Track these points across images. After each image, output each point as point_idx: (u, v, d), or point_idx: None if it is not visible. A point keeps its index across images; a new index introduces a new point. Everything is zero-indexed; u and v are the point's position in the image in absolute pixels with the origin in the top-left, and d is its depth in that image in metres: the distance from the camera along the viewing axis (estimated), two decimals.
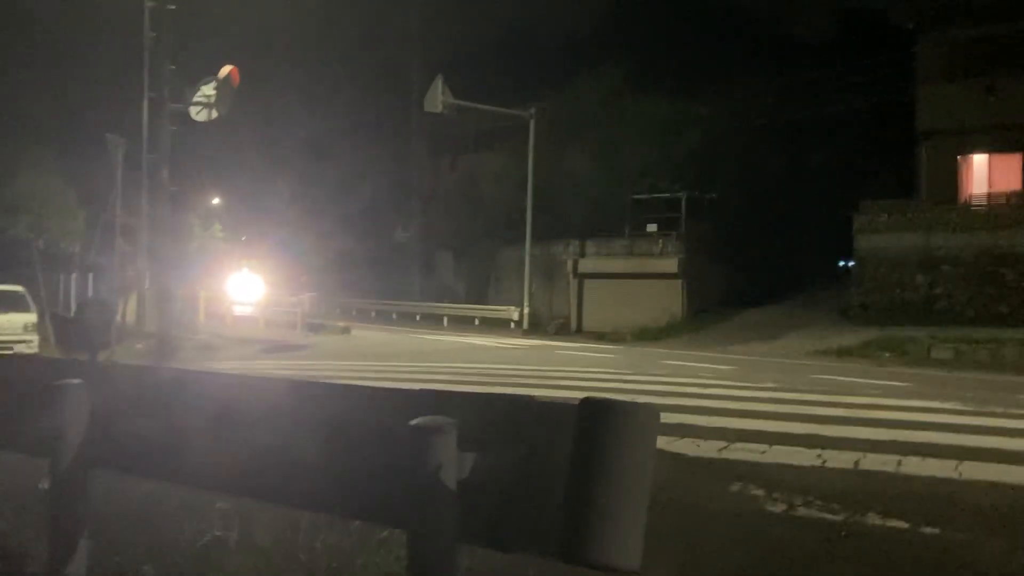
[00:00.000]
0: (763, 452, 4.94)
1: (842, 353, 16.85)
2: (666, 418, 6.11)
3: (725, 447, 5.07)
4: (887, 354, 16.10)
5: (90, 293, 18.76)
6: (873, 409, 6.79)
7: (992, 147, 23.72)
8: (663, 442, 5.17)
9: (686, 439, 5.28)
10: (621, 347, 17.56)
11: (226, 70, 14.65)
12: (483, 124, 31.23)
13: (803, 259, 26.04)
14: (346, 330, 20.48)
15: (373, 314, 30.29)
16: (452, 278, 31.70)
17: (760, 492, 4.06)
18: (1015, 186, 23.00)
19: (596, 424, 1.92)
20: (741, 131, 27.58)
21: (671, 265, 26.02)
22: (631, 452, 1.91)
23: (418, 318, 28.07)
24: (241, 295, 27.26)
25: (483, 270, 29.92)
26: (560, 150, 27.15)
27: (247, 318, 24.13)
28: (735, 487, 4.17)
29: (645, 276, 26.52)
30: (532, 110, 24.88)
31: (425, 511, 1.82)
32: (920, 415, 6.54)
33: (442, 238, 32.19)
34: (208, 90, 14.76)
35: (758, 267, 27.46)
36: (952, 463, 4.61)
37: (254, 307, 25.26)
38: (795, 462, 4.70)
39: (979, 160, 24.15)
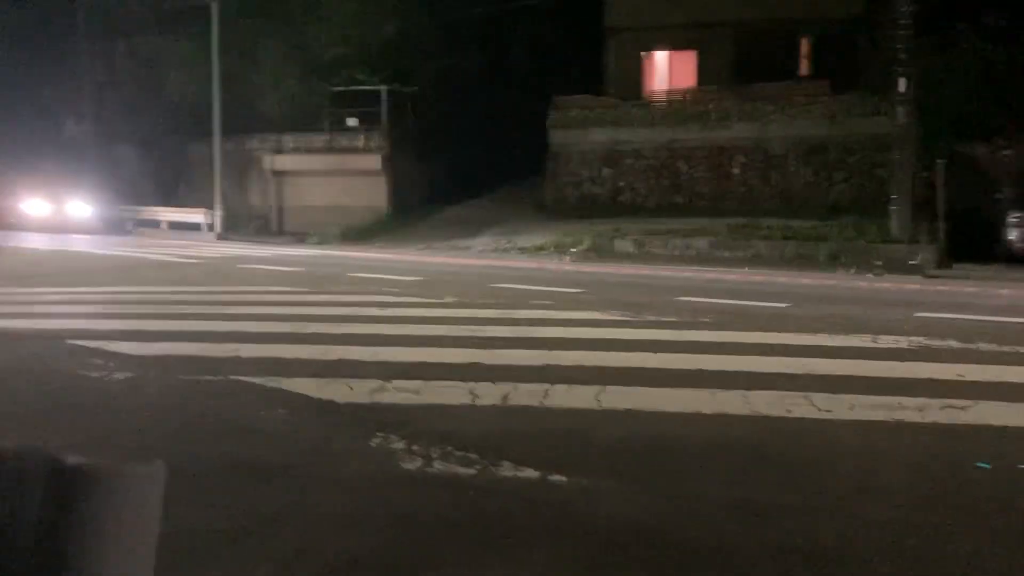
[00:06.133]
0: (417, 392, 4.76)
1: (534, 250, 17.44)
2: (329, 353, 5.78)
3: (380, 388, 4.83)
4: (574, 250, 16.88)
5: None
6: (539, 325, 6.91)
7: (671, 45, 25.19)
8: (315, 386, 4.85)
9: (342, 380, 4.98)
10: (317, 252, 16.95)
11: None
12: (163, 3, 28.19)
13: (507, 154, 26.57)
14: None
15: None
16: (137, 177, 28.96)
17: (401, 445, 3.85)
18: (692, 82, 24.72)
19: (72, 497, 1.45)
20: (440, 24, 27.15)
21: (374, 161, 25.52)
22: (119, 530, 1.48)
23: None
24: None
25: (172, 168, 27.61)
26: (252, 38, 25.28)
27: None
28: (376, 440, 3.93)
29: (348, 173, 25.85)
30: None
31: None
32: (579, 330, 6.74)
33: (122, 132, 29.13)
34: None
35: (463, 162, 27.69)
36: (594, 390, 4.70)
37: None
38: (447, 401, 4.56)
39: (660, 57, 25.57)
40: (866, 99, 19.85)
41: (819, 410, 4.27)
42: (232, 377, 5.11)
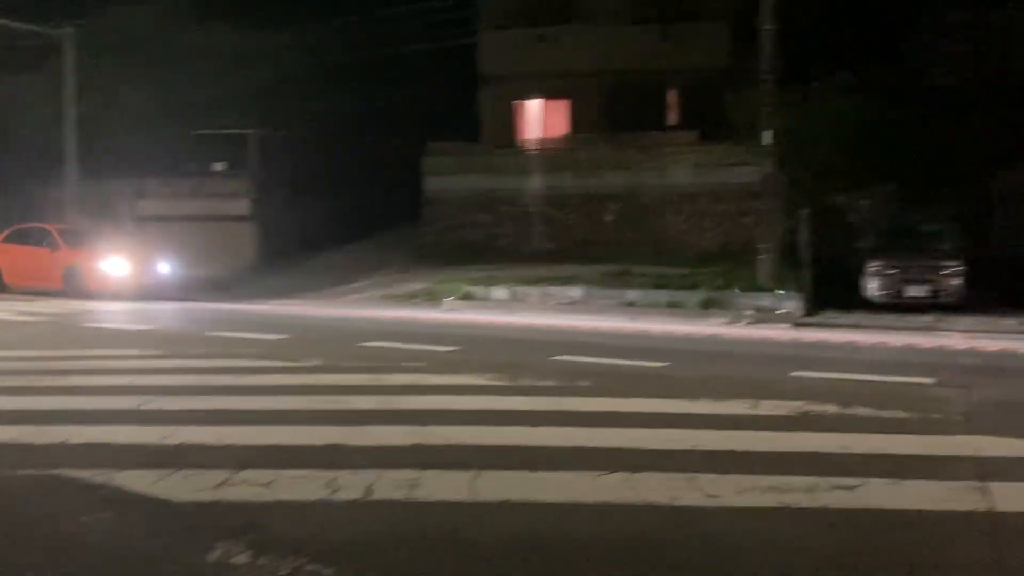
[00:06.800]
0: (270, 483, 4.22)
1: (408, 298, 17.02)
2: (171, 436, 5.17)
3: (227, 480, 4.27)
4: (449, 299, 16.54)
5: None
6: (410, 394, 6.46)
7: (544, 93, 25.50)
8: (150, 480, 4.26)
9: (182, 471, 4.39)
10: (177, 306, 15.95)
11: None
12: (15, 41, 26.56)
13: (385, 199, 26.19)
14: None
15: None
16: None
17: (244, 558, 3.33)
18: (565, 131, 25.03)
19: None
20: (317, 68, 26.67)
21: (242, 207, 24.68)
22: None
23: None
24: None
25: (23, 213, 25.84)
26: (113, 77, 24.10)
27: None
28: (216, 553, 3.38)
29: (216, 219, 24.91)
30: (68, 29, 21.54)
31: None
32: (453, 398, 6.31)
33: None
34: None
35: (339, 208, 27.10)
36: (468, 476, 4.29)
37: None
38: (301, 496, 4.05)
39: (534, 105, 25.85)
40: (732, 150, 20.46)
41: (706, 495, 4.00)
42: (56, 471, 4.45)
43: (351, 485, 4.17)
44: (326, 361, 8.16)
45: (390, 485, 4.18)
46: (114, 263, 18.06)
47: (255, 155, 24.63)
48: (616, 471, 4.36)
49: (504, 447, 4.88)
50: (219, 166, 24.52)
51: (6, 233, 19.86)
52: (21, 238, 19.57)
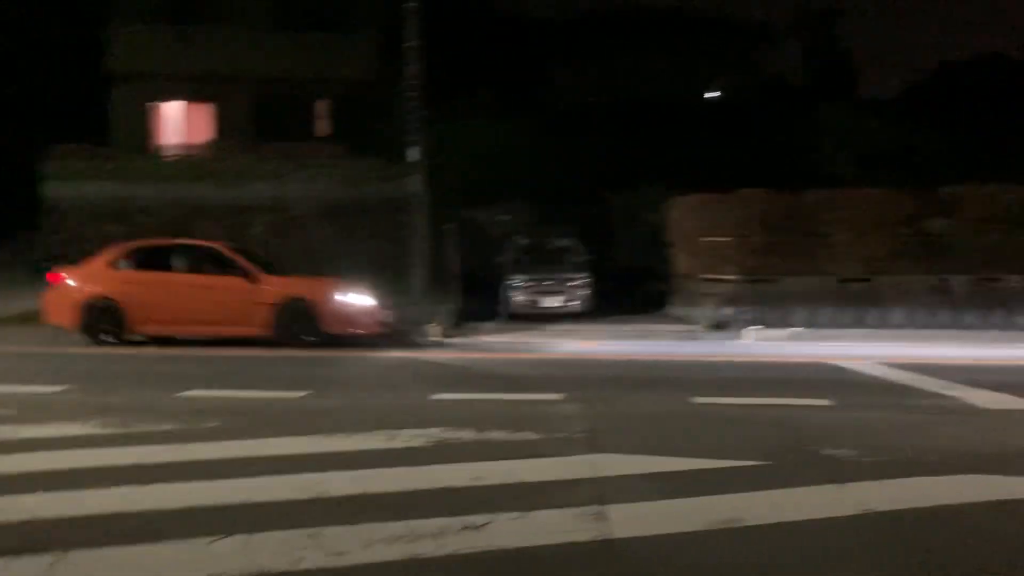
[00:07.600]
0: None
1: (18, 322, 15.00)
2: None
3: None
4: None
5: None
6: None
7: (186, 96, 24.01)
8: None
9: None
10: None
11: None
12: None
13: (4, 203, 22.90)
14: None
15: None
16: None
17: None
18: (210, 137, 23.72)
19: None
20: None
21: None
22: None
23: None
24: None
25: None
26: None
27: None
28: None
29: None
30: None
31: None
32: (41, 456, 5.21)
33: None
34: None
35: None
36: (49, 560, 3.58)
37: None
38: None
39: (174, 108, 24.29)
40: (382, 164, 20.57)
41: (331, 554, 3.68)
42: None
43: None
44: None
45: None
46: (356, 297, 12.88)
47: None
48: (233, 534, 3.90)
49: (101, 516, 4.19)
50: None
51: (111, 255, 13.53)
52: (153, 262, 13.42)
